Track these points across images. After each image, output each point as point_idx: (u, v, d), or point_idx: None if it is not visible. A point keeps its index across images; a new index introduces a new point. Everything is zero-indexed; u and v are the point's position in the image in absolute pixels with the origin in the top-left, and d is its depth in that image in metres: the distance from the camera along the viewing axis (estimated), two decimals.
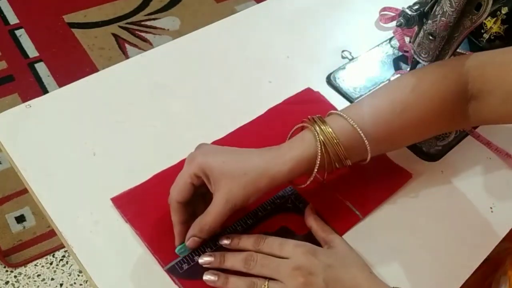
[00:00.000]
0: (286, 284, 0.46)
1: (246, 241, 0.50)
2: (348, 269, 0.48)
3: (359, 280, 0.47)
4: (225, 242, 0.51)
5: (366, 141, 0.51)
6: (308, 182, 0.51)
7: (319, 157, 0.49)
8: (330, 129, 0.50)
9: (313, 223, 0.53)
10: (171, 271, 0.50)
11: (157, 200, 0.54)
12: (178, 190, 0.49)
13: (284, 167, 0.49)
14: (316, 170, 0.50)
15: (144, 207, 0.54)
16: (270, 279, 0.47)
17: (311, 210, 0.54)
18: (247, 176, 0.48)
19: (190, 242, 0.49)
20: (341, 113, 0.52)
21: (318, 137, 0.49)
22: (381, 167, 0.61)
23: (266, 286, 0.46)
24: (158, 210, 0.54)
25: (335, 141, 0.50)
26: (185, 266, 0.50)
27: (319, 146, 0.49)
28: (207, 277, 0.48)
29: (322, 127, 0.50)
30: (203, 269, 0.49)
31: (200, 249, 0.51)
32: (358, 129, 0.50)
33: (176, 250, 0.50)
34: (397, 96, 0.53)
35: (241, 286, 0.47)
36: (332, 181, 0.58)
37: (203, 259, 0.49)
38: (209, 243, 0.51)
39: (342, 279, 0.46)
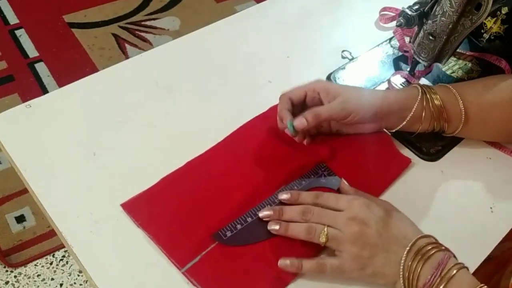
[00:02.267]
0: (343, 232, 0.49)
1: (306, 197, 0.54)
2: (398, 222, 0.51)
3: (407, 232, 0.50)
4: (285, 196, 0.54)
5: (462, 105, 0.59)
6: (402, 124, 0.61)
7: (417, 103, 0.59)
8: (435, 94, 0.60)
9: (352, 193, 0.55)
10: (215, 238, 0.51)
11: (168, 203, 0.55)
12: (294, 91, 0.60)
13: (384, 103, 0.60)
14: (410, 115, 0.60)
15: (155, 211, 0.54)
16: (328, 226, 0.50)
17: (346, 184, 0.57)
18: (361, 98, 0.59)
19: (298, 121, 0.57)
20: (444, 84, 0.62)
21: (421, 92, 0.60)
22: (381, 155, 0.62)
23: (326, 231, 0.50)
24: (170, 212, 0.54)
25: (436, 102, 0.59)
26: (228, 233, 0.52)
27: (420, 95, 0.60)
28: (271, 227, 0.52)
29: (427, 89, 0.61)
30: (244, 237, 0.52)
31: (242, 218, 0.53)
32: (454, 91, 0.60)
33: (288, 124, 0.58)
34: (491, 80, 0.63)
35: (300, 230, 0.51)
36: (339, 172, 0.59)
37: (263, 213, 0.53)
38: (249, 213, 0.54)
39: (392, 231, 0.50)
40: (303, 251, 0.51)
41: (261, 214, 0.53)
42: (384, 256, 0.48)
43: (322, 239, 0.50)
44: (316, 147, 0.62)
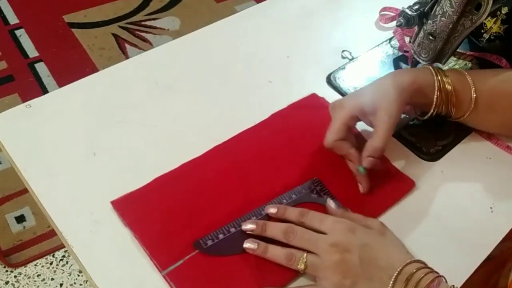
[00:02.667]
0: (324, 259, 0.48)
1: (291, 213, 0.52)
2: (384, 248, 0.49)
3: (393, 259, 0.48)
4: (272, 211, 0.53)
5: (473, 93, 0.59)
6: (429, 114, 0.61)
7: (436, 84, 0.59)
8: (447, 78, 0.60)
9: (337, 213, 0.54)
10: (196, 246, 0.50)
11: (157, 204, 0.54)
12: (335, 132, 0.57)
13: (411, 88, 0.58)
14: (434, 101, 0.59)
15: (143, 211, 0.54)
16: (308, 252, 0.48)
17: (332, 203, 0.55)
18: (394, 93, 0.56)
19: (367, 162, 0.56)
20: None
21: (435, 71, 0.60)
22: (384, 176, 0.61)
23: (305, 259, 0.48)
24: (158, 214, 0.53)
25: (448, 86, 0.59)
26: (209, 242, 0.51)
27: (434, 74, 0.59)
28: (247, 245, 0.50)
29: (439, 71, 0.60)
30: (225, 247, 0.51)
31: (225, 228, 0.52)
32: (470, 78, 0.60)
33: (360, 170, 0.56)
34: (502, 71, 0.63)
35: (280, 256, 0.49)
36: (338, 190, 0.58)
37: (247, 226, 0.51)
38: (234, 223, 0.53)
39: (376, 258, 0.48)
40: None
41: (244, 227, 0.52)
42: (368, 285, 0.46)
43: (301, 267, 0.48)
44: (313, 162, 0.60)
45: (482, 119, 0.62)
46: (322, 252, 0.48)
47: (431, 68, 0.60)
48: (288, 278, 0.50)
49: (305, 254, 0.48)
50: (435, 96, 0.59)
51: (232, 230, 0.52)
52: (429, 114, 0.61)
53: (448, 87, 0.59)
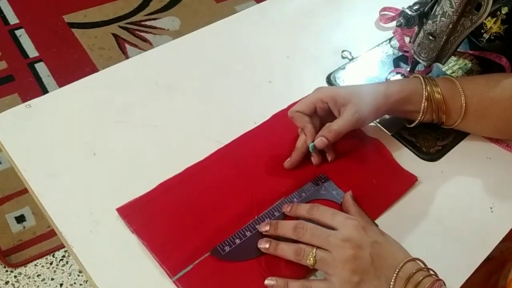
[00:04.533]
0: (334, 254, 0.48)
1: (302, 208, 0.53)
2: (390, 247, 0.50)
3: (398, 258, 0.49)
4: (286, 209, 0.54)
5: (463, 100, 0.60)
6: (416, 122, 0.62)
7: (424, 93, 0.60)
8: (436, 87, 0.61)
9: (351, 208, 0.55)
10: (214, 253, 0.50)
11: (163, 210, 0.54)
12: (301, 105, 0.59)
13: (389, 101, 0.60)
14: (422, 109, 0.60)
15: (150, 217, 0.53)
16: (318, 248, 0.49)
17: (350, 197, 0.56)
18: (369, 102, 0.59)
19: (318, 141, 0.58)
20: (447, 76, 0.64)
21: (424, 81, 0.61)
22: (386, 171, 0.61)
23: (314, 254, 0.48)
24: (165, 220, 0.53)
25: (437, 95, 0.60)
26: (227, 248, 0.51)
27: (423, 83, 0.60)
28: (261, 245, 0.51)
29: (429, 80, 0.61)
30: (243, 252, 0.51)
31: (240, 232, 0.52)
32: (458, 84, 0.61)
33: (310, 147, 0.58)
34: (494, 77, 0.63)
35: (289, 252, 0.50)
36: (343, 186, 0.58)
37: (263, 228, 0.52)
38: (249, 226, 0.53)
39: (385, 256, 0.48)
40: (298, 267, 0.50)
41: (261, 229, 0.52)
42: (375, 282, 0.47)
43: (310, 262, 0.48)
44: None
45: (473, 125, 0.63)
46: (334, 247, 0.48)
47: (421, 77, 0.61)
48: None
49: (315, 249, 0.48)
50: (423, 105, 0.60)
51: (248, 234, 0.52)
52: (416, 122, 0.62)
53: (438, 96, 0.60)
